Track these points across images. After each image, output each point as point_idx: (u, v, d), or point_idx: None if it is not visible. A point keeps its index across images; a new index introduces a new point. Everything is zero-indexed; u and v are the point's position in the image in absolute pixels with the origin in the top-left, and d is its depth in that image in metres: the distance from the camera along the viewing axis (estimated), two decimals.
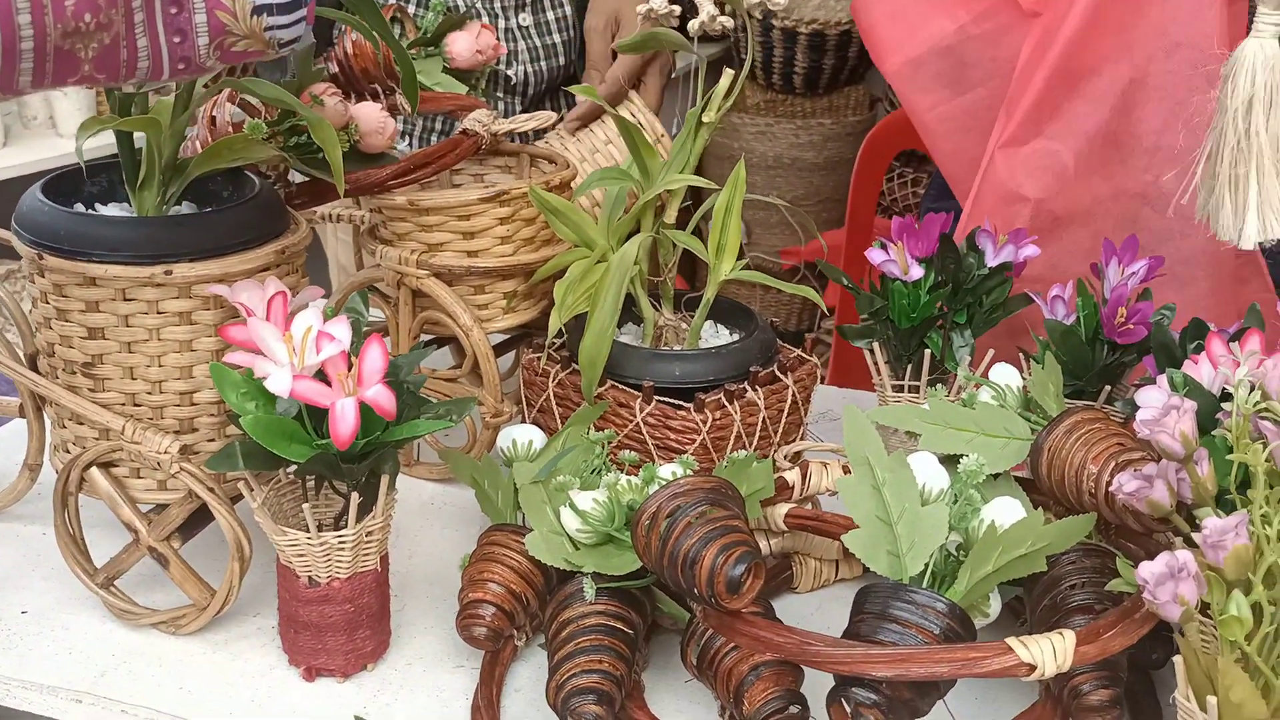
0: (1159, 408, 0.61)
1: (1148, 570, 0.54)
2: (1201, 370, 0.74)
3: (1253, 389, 0.64)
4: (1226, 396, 0.71)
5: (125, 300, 0.73)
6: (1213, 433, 0.68)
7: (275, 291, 0.70)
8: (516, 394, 0.97)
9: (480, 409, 0.95)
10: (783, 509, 0.82)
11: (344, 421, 0.64)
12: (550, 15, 1.27)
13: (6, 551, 0.88)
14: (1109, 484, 0.68)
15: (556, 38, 1.28)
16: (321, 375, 0.67)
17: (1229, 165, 0.69)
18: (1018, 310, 0.94)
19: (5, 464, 0.98)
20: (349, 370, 0.66)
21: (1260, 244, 0.71)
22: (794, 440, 0.92)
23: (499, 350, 1.08)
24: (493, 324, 0.96)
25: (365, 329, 0.86)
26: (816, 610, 0.85)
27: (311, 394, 0.64)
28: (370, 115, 0.89)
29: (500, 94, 1.27)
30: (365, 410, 0.66)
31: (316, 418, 0.68)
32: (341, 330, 0.66)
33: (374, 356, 0.66)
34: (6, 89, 0.39)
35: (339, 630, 0.73)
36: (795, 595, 0.87)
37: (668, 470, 0.76)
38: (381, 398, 0.65)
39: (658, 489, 0.68)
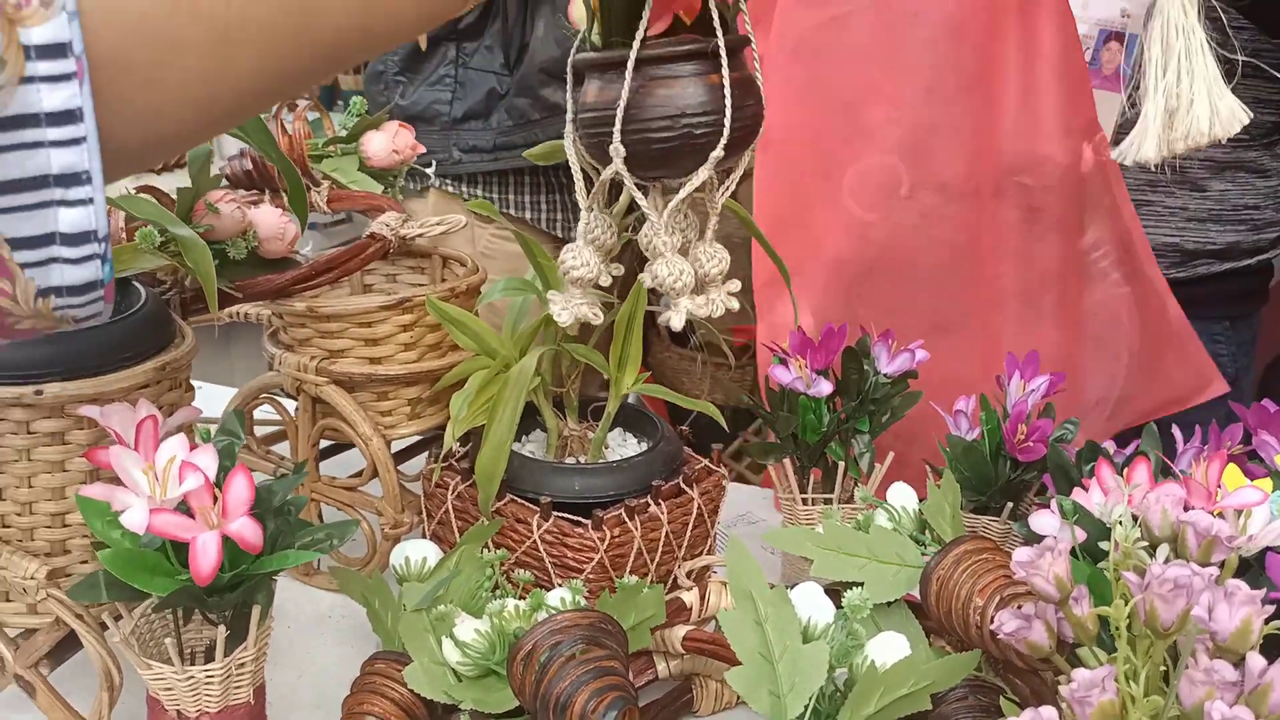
0: (1033, 549, 0.60)
1: None
2: (1093, 496, 0.73)
3: (1135, 522, 0.64)
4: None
5: None
6: (1100, 564, 0.67)
7: (145, 415, 0.68)
8: (418, 501, 0.95)
9: (381, 519, 0.93)
10: (681, 631, 0.80)
11: (205, 557, 0.62)
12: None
13: None
14: (994, 620, 0.67)
15: None
16: (186, 506, 0.65)
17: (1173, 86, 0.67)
18: (909, 408, 0.94)
19: None
20: (214, 502, 0.64)
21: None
22: (700, 553, 0.91)
23: (409, 452, 1.06)
24: (396, 430, 0.94)
25: (267, 433, 0.84)
26: None
27: (170, 528, 0.62)
28: (269, 221, 0.88)
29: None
30: (232, 542, 0.64)
31: (181, 549, 0.65)
32: (207, 460, 0.64)
33: (239, 488, 0.64)
34: None
35: None
36: (695, 718, 0.85)
37: (555, 597, 0.74)
38: (246, 530, 0.63)
39: (537, 623, 0.66)
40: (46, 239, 0.37)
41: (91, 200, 0.37)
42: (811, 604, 0.67)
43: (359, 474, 0.96)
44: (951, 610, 0.69)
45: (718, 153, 0.59)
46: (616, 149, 0.61)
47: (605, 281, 0.68)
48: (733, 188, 0.66)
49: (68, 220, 0.37)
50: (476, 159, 1.52)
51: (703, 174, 0.60)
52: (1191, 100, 0.65)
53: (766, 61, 1.01)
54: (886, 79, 0.99)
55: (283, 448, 1.03)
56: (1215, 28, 0.98)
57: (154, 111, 0.39)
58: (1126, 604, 0.53)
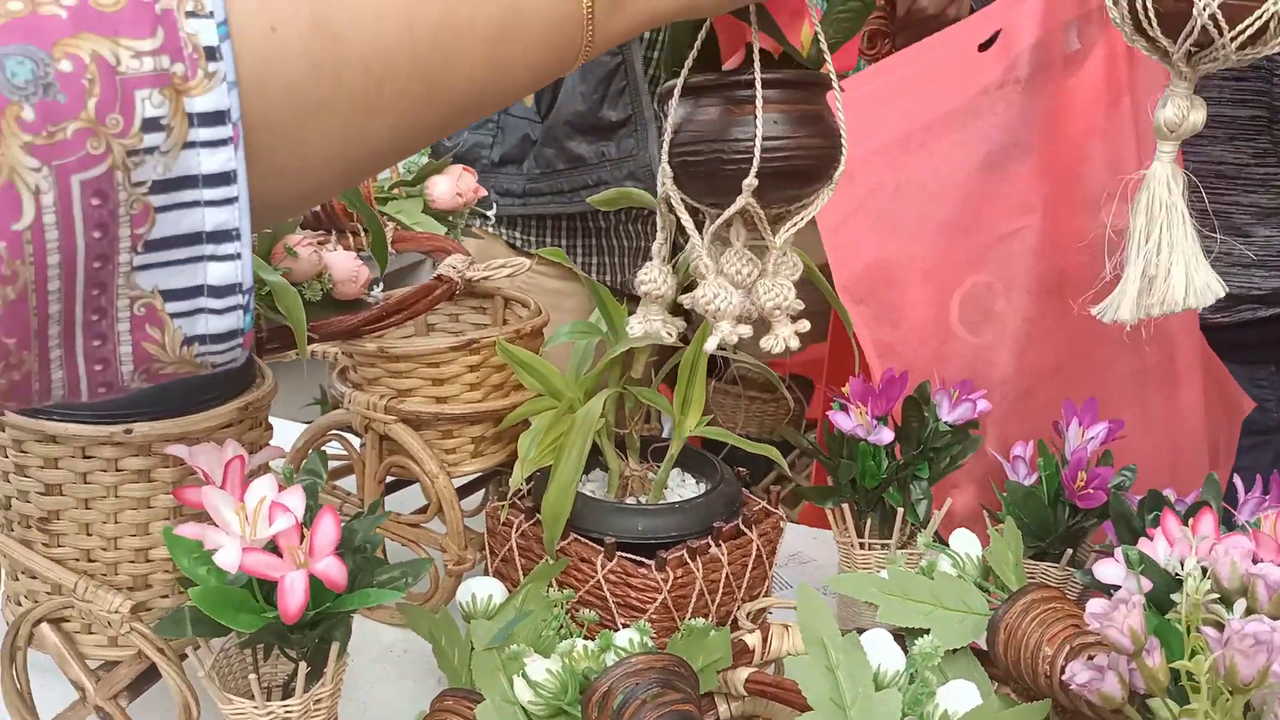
0: (1108, 603, 0.61)
1: None
2: (1158, 547, 0.74)
3: (1205, 574, 0.65)
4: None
5: (84, 458, 0.73)
6: (1168, 615, 0.68)
7: (233, 455, 0.70)
8: (482, 538, 0.97)
9: (444, 555, 0.94)
10: (743, 674, 0.81)
11: (293, 595, 0.64)
12: None
13: None
14: (1063, 670, 0.67)
15: None
16: (273, 544, 0.66)
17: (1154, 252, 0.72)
18: (969, 455, 0.94)
19: None
20: (301, 541, 0.66)
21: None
22: (759, 594, 0.92)
23: (470, 487, 1.08)
24: (459, 468, 0.96)
25: (334, 465, 0.86)
26: None
27: (261, 567, 0.64)
28: (344, 265, 0.91)
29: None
30: (316, 581, 0.66)
31: (266, 586, 0.67)
32: (295, 500, 0.66)
33: (326, 529, 0.66)
34: None
35: None
36: None
37: (624, 638, 0.75)
38: (332, 570, 0.65)
39: (610, 666, 0.67)
40: (195, 291, 0.39)
41: (239, 255, 0.38)
42: (881, 651, 0.68)
43: (422, 510, 0.98)
44: (1020, 659, 0.70)
45: (750, 180, 0.60)
46: (665, 169, 0.65)
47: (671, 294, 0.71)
48: (799, 225, 0.67)
49: (216, 274, 0.38)
50: (508, 202, 1.56)
51: (739, 202, 0.62)
52: (1169, 270, 0.69)
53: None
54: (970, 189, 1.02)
55: (345, 481, 1.05)
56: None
57: (296, 170, 0.42)
58: (1201, 656, 0.54)
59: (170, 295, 0.38)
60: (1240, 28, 0.57)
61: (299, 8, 0.39)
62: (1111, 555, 0.73)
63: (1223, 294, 0.74)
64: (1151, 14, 0.60)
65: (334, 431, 0.98)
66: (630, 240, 1.62)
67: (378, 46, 0.41)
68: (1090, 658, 0.65)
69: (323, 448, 1.01)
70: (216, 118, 0.36)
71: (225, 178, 0.37)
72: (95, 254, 0.36)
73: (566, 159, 1.54)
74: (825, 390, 1.59)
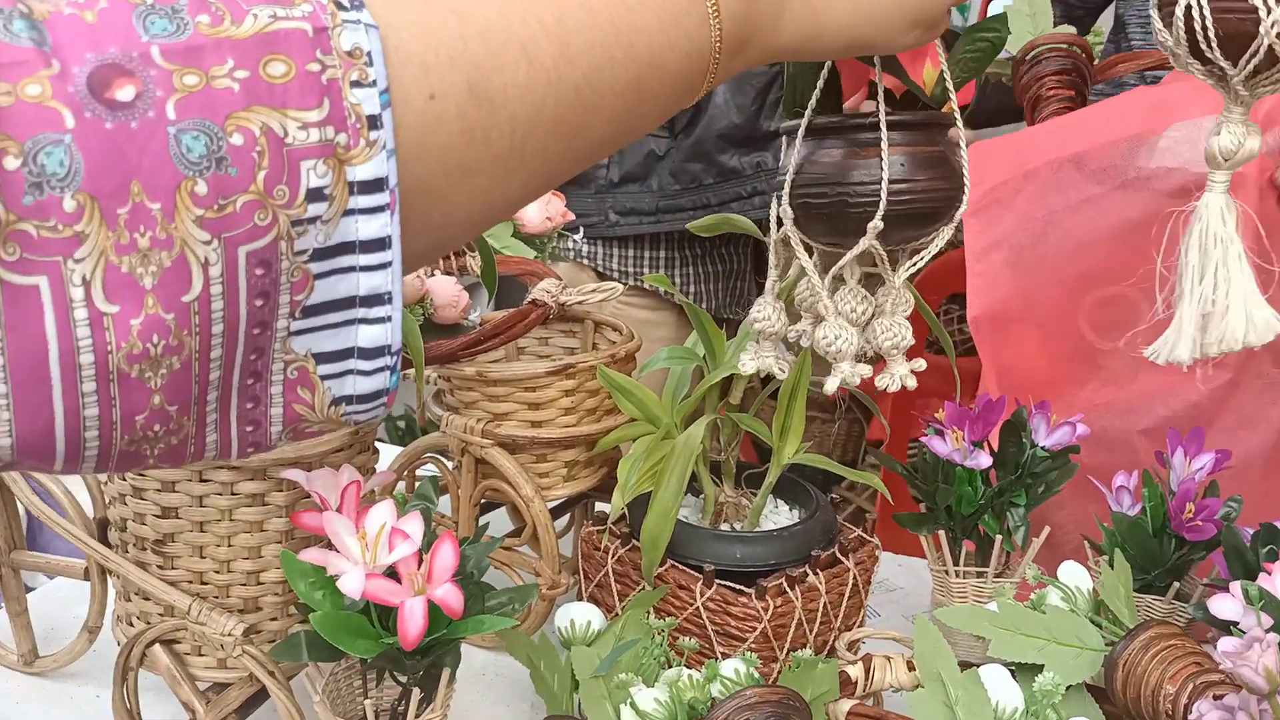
0: (1240, 641, 0.60)
1: None
2: (1277, 583, 0.72)
3: None
4: None
5: (200, 481, 0.74)
6: None
7: (350, 481, 0.70)
8: (573, 560, 0.97)
9: (538, 579, 0.95)
10: (845, 706, 0.80)
11: (413, 622, 0.64)
12: None
13: (60, 714, 0.88)
14: (1187, 709, 0.66)
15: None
16: (391, 570, 0.67)
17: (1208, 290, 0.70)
18: (1066, 481, 0.93)
19: (61, 619, 0.99)
20: (419, 567, 0.66)
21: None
22: (854, 624, 0.91)
23: (558, 511, 1.08)
24: (552, 492, 0.97)
25: (436, 504, 0.87)
26: None
27: (383, 594, 0.65)
28: (445, 290, 0.92)
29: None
30: (432, 607, 0.66)
31: (383, 612, 0.68)
32: (415, 527, 0.67)
33: (445, 555, 0.66)
34: (67, 473, 0.38)
35: None
36: None
37: (729, 668, 0.75)
38: (451, 597, 0.66)
39: (724, 699, 0.67)
40: (346, 353, 0.39)
41: (390, 319, 0.39)
42: (999, 687, 0.67)
43: (515, 533, 0.98)
44: (1140, 696, 0.69)
45: (875, 223, 0.61)
46: (785, 210, 0.65)
47: (787, 334, 0.71)
48: (920, 264, 0.67)
49: (366, 336, 0.39)
50: (634, 221, 1.55)
51: (862, 243, 0.63)
52: (1227, 307, 0.66)
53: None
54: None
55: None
56: None
57: (441, 226, 0.42)
58: None
59: (322, 358, 0.39)
60: None
61: (456, 75, 0.39)
62: (1224, 589, 0.72)
63: None
64: (1212, 35, 0.58)
65: (430, 455, 0.99)
66: (725, 264, 1.62)
67: (526, 110, 0.41)
68: (1218, 697, 0.64)
69: (415, 470, 1.01)
70: (376, 185, 0.36)
71: (381, 243, 0.37)
72: (256, 321, 0.36)
73: (716, 173, 1.53)
74: (891, 415, 1.57)
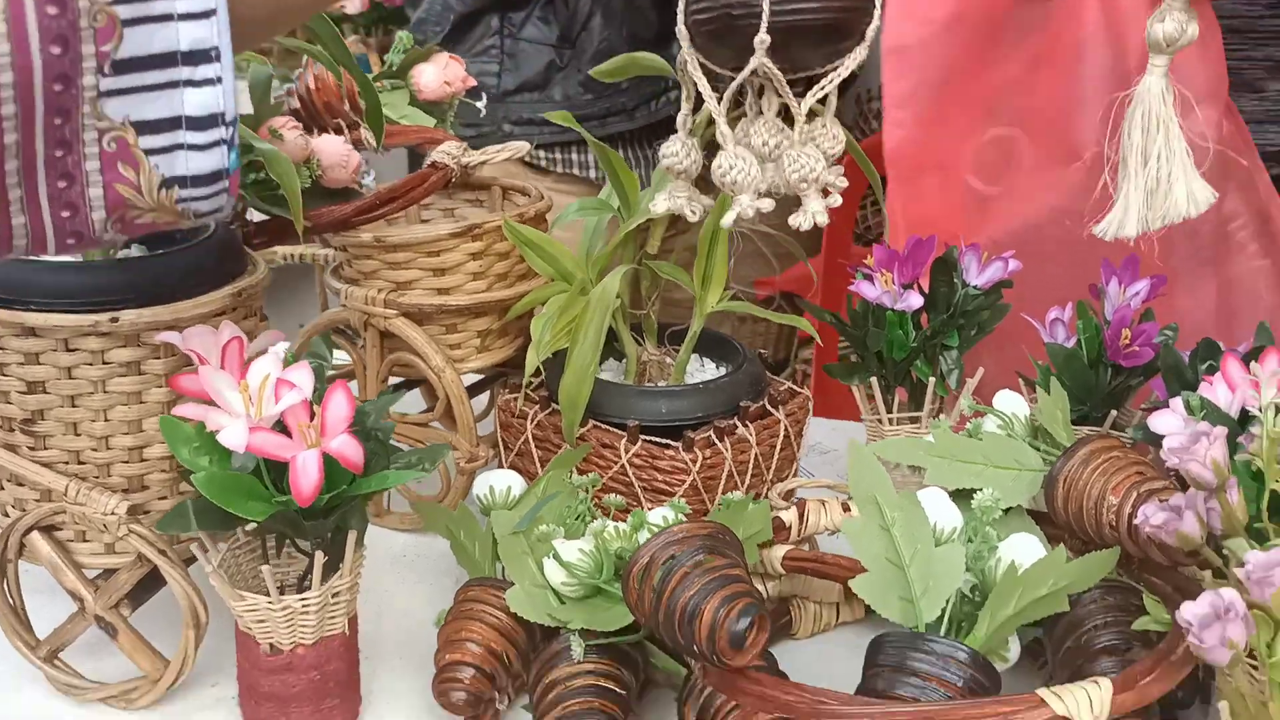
0: (1185, 434, 0.57)
1: (1191, 612, 0.50)
2: (1218, 392, 0.70)
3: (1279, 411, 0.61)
4: (1245, 419, 0.67)
5: (68, 351, 0.67)
6: (1234, 457, 0.64)
7: (230, 337, 0.64)
8: (492, 436, 0.92)
9: (454, 454, 0.90)
10: (780, 551, 0.77)
11: (306, 476, 0.59)
12: None
13: None
14: (1131, 515, 0.64)
15: None
16: (281, 426, 0.61)
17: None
18: (999, 321, 0.90)
19: None
20: (311, 420, 0.61)
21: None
22: (787, 477, 0.88)
23: (472, 390, 1.03)
24: (466, 364, 0.91)
25: (330, 374, 0.81)
26: (818, 657, 0.80)
27: (270, 447, 0.59)
28: (333, 149, 0.85)
29: None
30: (329, 462, 0.61)
31: (276, 472, 0.62)
32: (303, 377, 0.61)
33: (339, 404, 0.61)
34: None
35: (304, 700, 0.68)
36: (794, 641, 0.82)
37: (658, 515, 0.71)
38: (347, 449, 0.60)
39: (650, 537, 0.63)
40: (173, 123, 0.35)
41: (220, 79, 0.35)
42: (939, 508, 0.64)
43: (429, 409, 0.93)
44: (1082, 510, 0.66)
45: (761, 37, 0.58)
46: (681, 31, 0.62)
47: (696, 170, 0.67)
48: (827, 89, 0.63)
49: (194, 102, 0.35)
50: (532, 131, 1.49)
51: (752, 62, 0.59)
52: (1170, 185, 0.70)
53: None
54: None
55: None
56: None
57: None
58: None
59: (144, 128, 0.35)
60: None
61: None
62: (1165, 408, 0.69)
63: (1214, 200, 0.74)
64: None
65: (332, 332, 0.93)
66: (657, 164, 1.57)
67: None
68: (1162, 501, 0.61)
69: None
70: None
71: None
72: (55, 74, 0.32)
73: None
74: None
